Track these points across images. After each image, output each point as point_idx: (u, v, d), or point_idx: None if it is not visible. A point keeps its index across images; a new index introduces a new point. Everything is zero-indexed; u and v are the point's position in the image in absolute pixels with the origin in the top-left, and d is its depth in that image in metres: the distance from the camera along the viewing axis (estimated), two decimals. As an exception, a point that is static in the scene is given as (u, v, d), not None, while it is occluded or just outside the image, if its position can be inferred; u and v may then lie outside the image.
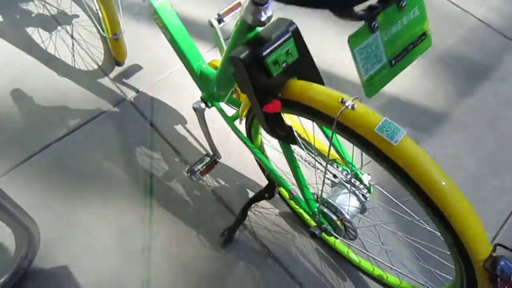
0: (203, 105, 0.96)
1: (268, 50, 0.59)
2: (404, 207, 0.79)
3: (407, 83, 1.46)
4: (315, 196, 0.81)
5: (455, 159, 1.30)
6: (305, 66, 0.65)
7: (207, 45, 1.48)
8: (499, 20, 1.67)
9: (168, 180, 1.19)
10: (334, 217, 0.78)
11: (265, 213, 1.15)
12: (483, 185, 1.25)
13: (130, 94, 1.36)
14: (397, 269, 0.90)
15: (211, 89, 0.93)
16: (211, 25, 0.89)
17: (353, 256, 1.01)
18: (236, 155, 1.24)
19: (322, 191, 0.72)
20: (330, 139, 0.64)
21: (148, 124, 1.29)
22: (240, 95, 0.96)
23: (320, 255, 1.08)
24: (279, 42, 0.60)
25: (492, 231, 1.16)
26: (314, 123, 0.68)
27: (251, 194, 1.17)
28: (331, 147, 0.66)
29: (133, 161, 1.21)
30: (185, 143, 1.26)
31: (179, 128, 1.29)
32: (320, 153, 0.86)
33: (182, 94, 1.36)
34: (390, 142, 0.52)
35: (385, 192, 0.81)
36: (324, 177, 0.71)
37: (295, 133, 0.72)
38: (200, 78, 0.95)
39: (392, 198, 0.81)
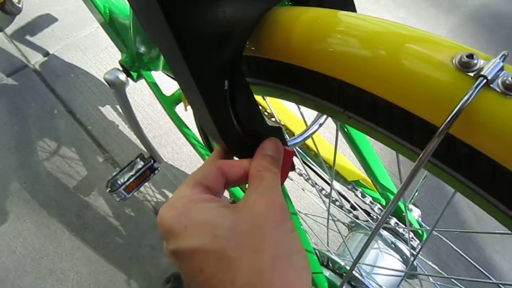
0: (122, 76, 0.55)
1: None
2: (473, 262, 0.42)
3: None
4: (319, 257, 0.41)
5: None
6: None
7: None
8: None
9: (86, 193, 0.78)
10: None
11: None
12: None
13: (35, 59, 0.92)
14: None
15: (133, 45, 0.52)
16: None
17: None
18: (188, 156, 0.83)
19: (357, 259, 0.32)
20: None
21: (60, 104, 0.86)
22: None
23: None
24: None
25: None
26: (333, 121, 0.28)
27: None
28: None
29: (32, 161, 0.79)
30: (115, 134, 0.84)
31: (106, 111, 0.87)
32: (328, 164, 0.46)
33: (116, 57, 0.93)
34: None
35: (450, 244, 0.43)
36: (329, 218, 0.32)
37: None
38: (111, 24, 0.52)
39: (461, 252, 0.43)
